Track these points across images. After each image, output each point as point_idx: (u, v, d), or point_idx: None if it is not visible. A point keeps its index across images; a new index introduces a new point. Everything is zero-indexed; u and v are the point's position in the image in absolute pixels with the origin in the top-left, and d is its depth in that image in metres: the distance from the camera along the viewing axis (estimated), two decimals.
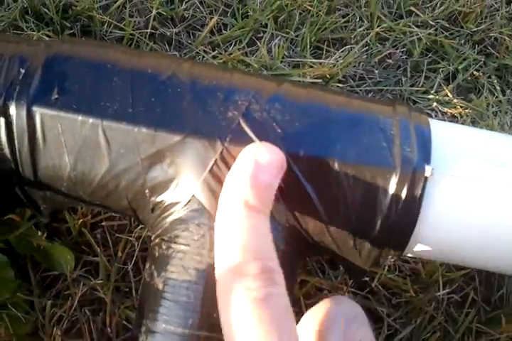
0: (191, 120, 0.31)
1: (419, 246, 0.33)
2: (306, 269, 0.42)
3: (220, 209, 0.27)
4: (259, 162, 0.27)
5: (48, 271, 0.41)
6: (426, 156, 0.31)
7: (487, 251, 0.33)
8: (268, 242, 0.27)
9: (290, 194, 0.31)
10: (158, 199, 0.31)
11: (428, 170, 0.30)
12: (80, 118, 0.30)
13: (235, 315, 0.25)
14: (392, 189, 0.30)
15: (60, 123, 0.30)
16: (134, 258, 0.41)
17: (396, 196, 0.30)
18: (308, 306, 0.42)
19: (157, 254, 0.32)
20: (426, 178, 0.30)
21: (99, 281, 0.40)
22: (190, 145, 0.30)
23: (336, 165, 0.30)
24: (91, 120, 0.30)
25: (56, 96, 0.30)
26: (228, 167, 0.30)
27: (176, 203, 0.31)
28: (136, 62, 0.32)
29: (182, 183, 0.31)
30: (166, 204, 0.31)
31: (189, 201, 0.31)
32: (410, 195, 0.30)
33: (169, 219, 0.31)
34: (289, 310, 0.26)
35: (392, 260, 0.33)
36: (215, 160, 0.30)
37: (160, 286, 0.30)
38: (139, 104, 0.31)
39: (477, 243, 0.33)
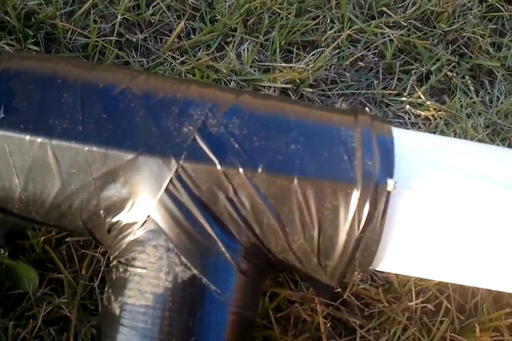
0: (144, 137, 0.30)
1: (385, 262, 0.32)
2: (277, 280, 0.41)
3: None
4: None
5: (12, 289, 0.40)
6: (388, 169, 0.30)
7: (455, 265, 0.32)
8: None
9: (250, 212, 0.30)
10: (114, 219, 0.30)
11: (390, 184, 0.29)
12: (27, 137, 0.29)
13: None
14: (353, 205, 0.30)
15: (7, 143, 0.29)
16: (100, 274, 0.40)
17: (358, 212, 0.30)
18: (279, 319, 0.41)
19: (114, 277, 0.31)
20: (389, 193, 0.30)
21: (63, 300, 0.38)
22: (143, 163, 0.29)
23: (296, 181, 0.29)
24: (39, 139, 0.29)
25: (2, 115, 0.29)
26: (184, 185, 0.29)
27: (133, 224, 0.30)
28: (87, 76, 0.31)
29: (137, 203, 0.30)
30: (122, 224, 0.30)
31: (145, 222, 0.30)
32: (373, 210, 0.29)
33: (126, 240, 0.30)
34: None
35: (359, 276, 0.33)
36: (171, 179, 0.29)
37: (117, 311, 0.30)
38: (90, 121, 0.29)
39: (445, 257, 0.32)
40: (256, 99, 0.33)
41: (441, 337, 0.41)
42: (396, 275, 0.42)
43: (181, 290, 0.29)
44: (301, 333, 0.40)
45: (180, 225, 0.29)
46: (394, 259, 0.32)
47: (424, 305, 0.42)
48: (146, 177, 0.29)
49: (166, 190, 0.29)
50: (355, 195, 0.29)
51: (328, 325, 0.40)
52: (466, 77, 0.57)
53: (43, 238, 0.40)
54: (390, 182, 0.29)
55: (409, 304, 0.41)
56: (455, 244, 0.31)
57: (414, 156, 0.32)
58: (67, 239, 0.41)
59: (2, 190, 0.30)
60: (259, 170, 0.29)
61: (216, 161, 0.29)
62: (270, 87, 0.52)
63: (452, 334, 0.41)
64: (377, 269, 0.34)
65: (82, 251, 0.41)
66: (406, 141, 0.33)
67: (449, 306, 0.42)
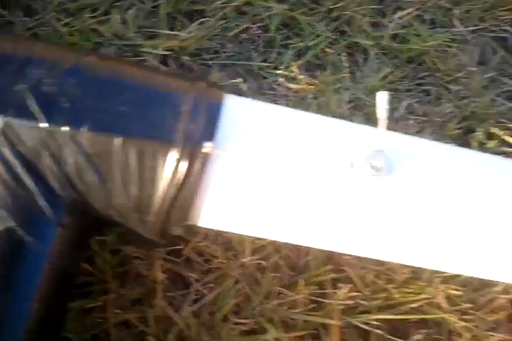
0: None
1: (203, 219, 0.37)
2: (122, 238, 0.46)
3: None
4: None
5: None
6: (210, 133, 0.33)
7: (265, 222, 0.37)
8: None
9: (73, 169, 0.33)
10: None
11: (208, 146, 0.33)
12: None
13: None
14: (171, 165, 0.33)
15: None
16: None
17: (175, 171, 0.33)
18: (120, 274, 0.46)
19: None
20: (206, 154, 0.33)
21: None
22: None
23: (118, 141, 0.33)
24: None
25: None
26: (9, 141, 0.32)
27: None
28: None
29: None
30: None
31: None
32: (190, 170, 0.33)
33: None
34: None
35: (180, 231, 0.37)
36: None
37: None
38: None
39: (255, 214, 0.36)
40: (101, 61, 0.35)
41: (270, 291, 0.47)
42: (236, 234, 0.47)
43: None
44: (138, 286, 0.45)
45: (2, 179, 0.32)
46: (211, 216, 0.37)
47: (259, 262, 0.48)
48: None
49: None
50: (174, 155, 0.33)
51: (163, 277, 0.45)
52: (343, 54, 0.61)
53: None
54: (207, 144, 0.33)
55: (243, 260, 0.47)
56: (265, 204, 0.36)
57: (241, 123, 0.35)
58: None
59: None
60: (84, 129, 0.32)
61: (42, 119, 0.32)
62: (151, 53, 0.55)
63: (280, 288, 0.47)
64: (198, 225, 0.38)
65: None
66: (237, 109, 0.36)
67: (281, 263, 0.48)
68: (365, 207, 0.36)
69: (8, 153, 0.32)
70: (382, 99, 0.37)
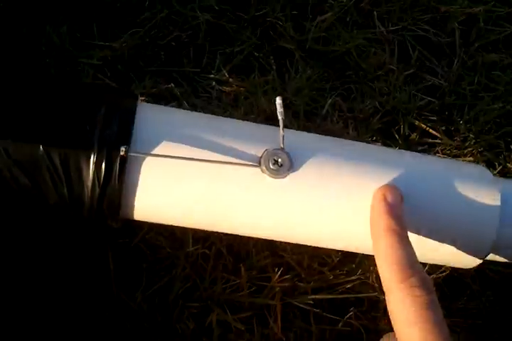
0: None
1: (136, 214, 0.40)
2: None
3: (378, 240, 0.36)
4: (390, 201, 0.38)
5: None
6: (125, 138, 0.37)
7: (188, 214, 0.40)
8: (415, 257, 0.35)
9: (7, 175, 0.36)
10: None
11: (123, 149, 0.37)
12: None
13: (406, 318, 0.33)
14: (92, 167, 0.37)
15: None
16: None
17: (97, 173, 0.37)
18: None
19: None
20: (122, 157, 0.37)
21: None
22: None
23: (42, 149, 0.36)
24: None
25: None
26: None
27: None
28: None
29: None
30: None
31: None
32: (109, 171, 0.37)
33: None
34: None
35: (115, 224, 0.40)
36: None
37: None
38: None
39: (174, 207, 0.40)
40: (19, 76, 0.39)
41: (216, 276, 0.50)
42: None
43: None
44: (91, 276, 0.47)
45: None
46: (140, 211, 0.40)
47: (203, 250, 0.51)
48: None
49: None
50: (93, 158, 0.36)
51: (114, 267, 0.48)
52: (270, 57, 0.65)
53: None
54: (122, 148, 0.37)
55: (188, 250, 0.50)
56: (180, 197, 0.39)
57: (153, 127, 0.39)
58: None
59: None
60: (9, 141, 0.36)
61: None
62: (86, 63, 0.58)
63: (224, 274, 0.50)
64: (135, 219, 0.41)
65: None
66: (150, 115, 0.40)
67: (224, 252, 0.51)
68: (271, 197, 0.40)
69: None
70: (278, 103, 0.41)
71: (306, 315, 0.50)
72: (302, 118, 0.61)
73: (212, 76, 0.62)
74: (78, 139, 0.37)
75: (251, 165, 0.39)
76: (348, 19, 0.70)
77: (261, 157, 0.40)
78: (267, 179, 0.40)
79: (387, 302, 0.34)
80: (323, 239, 0.43)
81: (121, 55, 0.59)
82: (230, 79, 0.62)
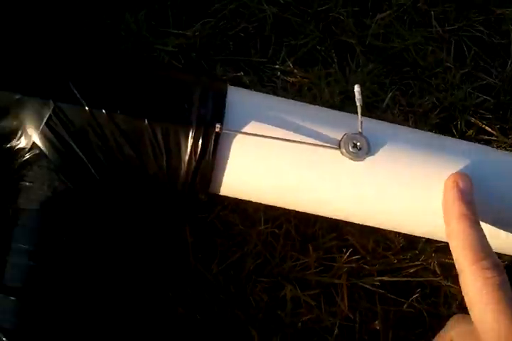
0: (29, 81, 0.38)
1: (222, 189, 0.42)
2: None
3: (451, 224, 0.38)
4: (462, 188, 0.40)
5: None
6: (218, 116, 0.40)
7: (273, 192, 0.43)
8: (486, 241, 0.37)
9: (112, 144, 0.39)
10: (8, 145, 0.38)
11: (218, 126, 0.39)
12: None
13: (479, 299, 0.34)
14: (190, 142, 0.39)
15: None
16: None
17: (194, 147, 0.39)
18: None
19: (10, 190, 0.39)
20: (217, 133, 0.39)
21: None
22: (28, 102, 0.37)
23: (146, 122, 0.39)
24: None
25: None
26: (61, 121, 0.38)
27: (22, 149, 0.38)
28: None
29: (25, 133, 0.38)
30: (14, 149, 0.38)
31: (31, 147, 0.38)
32: (205, 146, 0.39)
33: (18, 162, 0.39)
34: None
35: (203, 198, 0.42)
36: (50, 115, 0.38)
37: (12, 215, 0.38)
38: None
39: (262, 185, 0.42)
40: (122, 58, 0.42)
41: (285, 255, 0.52)
42: (251, 205, 0.53)
43: (59, 199, 0.38)
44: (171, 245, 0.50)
45: (58, 151, 0.38)
46: (229, 186, 0.42)
47: (273, 229, 0.53)
48: (31, 113, 0.38)
49: (47, 123, 0.38)
50: (191, 134, 0.39)
51: (193, 240, 0.50)
52: (332, 51, 0.67)
53: None
54: (217, 125, 0.39)
55: (259, 228, 0.52)
56: (267, 175, 0.42)
57: (244, 107, 0.42)
58: None
59: None
60: (118, 112, 0.38)
61: (85, 103, 0.38)
62: (162, 50, 0.60)
63: (293, 252, 0.52)
64: (220, 194, 0.43)
65: None
66: (239, 97, 0.42)
67: (292, 231, 0.53)
68: (349, 178, 0.42)
69: (61, 129, 0.38)
70: (357, 91, 0.43)
71: (371, 295, 0.52)
72: (364, 111, 0.63)
73: (277, 67, 0.64)
74: (178, 116, 0.39)
75: (332, 147, 0.41)
76: (405, 18, 0.73)
77: (341, 140, 0.42)
78: (346, 161, 0.42)
79: (460, 283, 0.36)
80: (394, 222, 0.45)
81: (193, 43, 0.62)
82: (295, 71, 0.64)
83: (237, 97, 0.42)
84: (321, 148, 0.41)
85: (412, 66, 0.69)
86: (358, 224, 0.54)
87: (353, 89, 0.43)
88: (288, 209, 0.53)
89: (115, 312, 0.46)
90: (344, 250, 0.52)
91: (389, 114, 0.64)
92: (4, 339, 0.35)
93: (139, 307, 0.48)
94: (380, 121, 0.47)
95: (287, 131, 0.41)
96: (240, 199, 0.53)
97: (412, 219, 0.44)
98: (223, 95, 0.41)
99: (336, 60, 0.66)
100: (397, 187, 0.42)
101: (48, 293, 0.37)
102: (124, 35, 0.59)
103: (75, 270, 0.38)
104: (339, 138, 0.42)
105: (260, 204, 0.52)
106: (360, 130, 0.42)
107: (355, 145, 0.41)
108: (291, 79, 0.64)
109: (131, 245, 0.48)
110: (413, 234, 0.48)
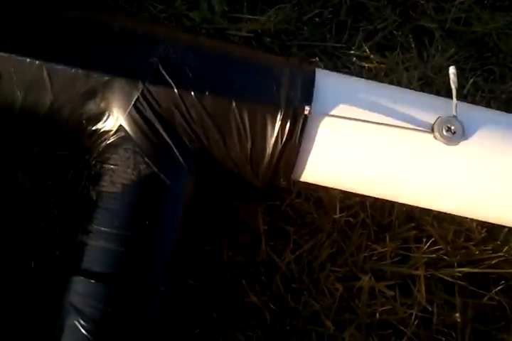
0: (120, 63, 0.38)
1: (306, 173, 0.42)
2: (227, 193, 0.51)
3: None
4: None
5: None
6: (307, 99, 0.39)
7: (362, 179, 0.41)
8: None
9: (199, 126, 0.39)
10: (94, 128, 0.39)
11: (307, 109, 0.38)
12: (28, 60, 0.37)
13: None
14: (278, 124, 0.38)
15: (12, 64, 0.37)
16: (83, 183, 0.49)
17: (281, 129, 0.38)
18: (227, 223, 0.50)
19: (93, 173, 0.39)
20: (306, 116, 0.38)
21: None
22: (117, 84, 0.38)
23: (234, 104, 0.38)
24: (37, 61, 0.37)
25: (9, 42, 0.37)
26: (148, 103, 0.38)
27: (108, 131, 0.39)
28: (75, 13, 0.39)
29: (112, 115, 0.38)
30: (99, 132, 0.39)
31: (117, 130, 0.38)
32: (292, 128, 0.38)
33: (103, 145, 0.39)
34: None
35: (284, 183, 0.42)
36: (138, 97, 0.38)
37: (94, 197, 0.39)
38: (77, 49, 0.38)
39: (349, 171, 0.41)
40: (210, 40, 0.42)
41: (359, 244, 0.51)
42: (326, 193, 0.52)
43: (143, 182, 0.38)
44: (244, 234, 0.50)
45: (145, 133, 0.38)
46: (311, 171, 0.41)
47: (348, 218, 0.52)
48: (119, 95, 0.38)
49: (134, 105, 0.38)
50: (279, 116, 0.38)
51: (267, 228, 0.49)
52: (409, 36, 0.65)
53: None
54: (306, 107, 0.38)
55: (334, 217, 0.51)
56: (357, 160, 0.41)
57: (331, 90, 0.41)
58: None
59: (6, 100, 0.38)
60: (206, 94, 0.38)
61: (173, 85, 0.38)
62: (235, 35, 0.60)
63: (368, 242, 0.51)
64: (300, 180, 0.43)
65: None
66: (327, 79, 0.41)
67: (368, 221, 0.52)
68: (441, 163, 0.41)
69: (148, 112, 0.38)
70: (452, 73, 0.42)
71: (450, 287, 0.50)
72: (443, 96, 0.61)
73: (352, 52, 0.62)
74: (267, 98, 0.39)
75: (424, 131, 0.40)
76: (486, 2, 0.69)
77: (434, 124, 0.40)
78: (439, 145, 0.40)
79: None
80: (482, 209, 0.43)
81: (267, 28, 0.61)
82: (371, 56, 0.62)
83: (325, 79, 0.41)
84: (413, 132, 0.39)
85: (494, 51, 0.66)
86: (437, 215, 0.52)
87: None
88: (363, 199, 0.52)
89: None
90: (424, 240, 0.50)
91: (470, 100, 0.61)
92: (82, 322, 0.35)
93: (209, 296, 0.48)
94: (472, 104, 0.45)
95: (377, 115, 0.40)
96: (314, 188, 0.53)
97: (501, 208, 0.42)
98: (312, 77, 0.40)
99: (413, 45, 0.64)
100: (490, 172, 0.41)
101: (138, 280, 0.37)
102: (199, 21, 0.59)
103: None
104: (432, 122, 0.40)
105: (335, 192, 0.52)
106: (454, 113, 0.41)
107: (449, 129, 0.40)
108: (367, 65, 0.62)
109: (201, 231, 0.49)
110: (504, 224, 0.46)
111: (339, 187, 0.44)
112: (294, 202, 0.51)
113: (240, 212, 0.50)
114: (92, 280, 0.36)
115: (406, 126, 0.40)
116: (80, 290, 0.36)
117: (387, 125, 0.39)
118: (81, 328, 0.36)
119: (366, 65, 0.62)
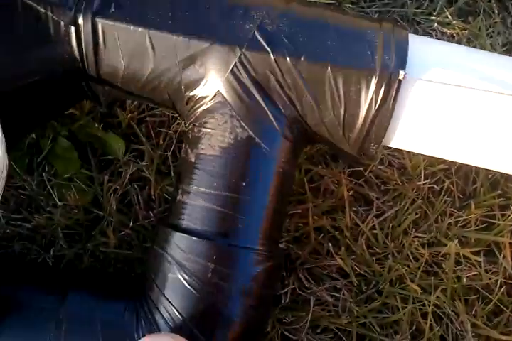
0: (218, 30, 0.39)
1: (395, 138, 0.42)
2: (311, 160, 0.51)
3: None
4: None
5: (104, 155, 0.51)
6: (401, 63, 0.39)
7: (450, 143, 0.41)
8: None
9: (293, 92, 0.39)
10: (192, 93, 0.40)
11: (402, 73, 0.38)
12: (131, 27, 0.38)
13: None
14: (372, 88, 0.39)
15: (116, 32, 0.39)
16: (173, 148, 0.51)
17: (375, 94, 0.39)
18: (311, 189, 0.51)
19: (190, 136, 0.41)
20: (400, 80, 0.38)
21: (144, 163, 0.50)
22: (216, 50, 0.39)
23: (329, 69, 0.39)
24: (140, 29, 0.38)
25: (113, 10, 0.39)
26: (245, 69, 0.39)
27: (205, 97, 0.40)
28: None
29: (209, 81, 0.39)
30: (197, 97, 0.40)
31: (215, 95, 0.39)
32: (387, 93, 0.39)
33: (200, 110, 0.40)
34: None
35: (374, 147, 0.42)
36: (235, 63, 0.39)
37: (193, 159, 0.40)
38: (177, 17, 0.39)
39: (442, 136, 0.41)
40: (303, 6, 0.42)
41: (443, 211, 0.51)
42: (410, 160, 0.52)
43: (240, 145, 0.39)
44: (328, 200, 0.50)
45: (241, 98, 0.39)
46: (402, 136, 0.41)
47: (432, 185, 0.52)
48: (217, 61, 0.39)
49: (231, 71, 0.39)
50: (374, 81, 0.38)
51: (350, 194, 0.50)
52: (492, 1, 0.63)
53: (129, 115, 0.51)
54: (401, 72, 0.38)
55: (418, 183, 0.51)
56: (450, 126, 0.40)
57: (424, 55, 0.40)
58: (147, 119, 0.52)
59: (111, 67, 0.40)
60: (302, 59, 0.39)
61: (269, 51, 0.39)
62: (316, 1, 0.60)
63: (452, 209, 0.51)
64: (389, 145, 0.43)
65: (158, 129, 0.52)
66: (421, 45, 0.41)
67: (452, 188, 0.52)
68: None
69: (245, 77, 0.39)
70: None
71: None
72: None
73: (433, 18, 0.61)
74: (361, 62, 0.39)
75: None
76: None
77: None
78: None
79: None
80: None
81: None
82: (453, 22, 0.61)
83: (418, 44, 0.41)
84: (508, 97, 0.39)
85: None
86: None
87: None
88: (448, 166, 0.52)
89: None
90: (510, 207, 0.50)
91: None
92: (186, 277, 0.37)
93: (295, 258, 0.50)
94: None
95: (472, 80, 0.39)
96: (397, 155, 0.53)
97: None
98: (406, 42, 0.40)
99: (497, 11, 0.63)
100: None
101: (236, 237, 0.39)
102: None
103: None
104: None
105: (418, 159, 0.52)
106: None
107: None
108: (449, 31, 0.61)
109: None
110: None
111: (427, 153, 0.44)
112: (377, 168, 0.52)
113: (323, 178, 0.51)
114: (195, 238, 0.38)
115: (501, 92, 0.39)
116: (182, 246, 0.38)
117: (482, 90, 0.39)
118: (185, 282, 0.38)
119: (448, 31, 0.61)
